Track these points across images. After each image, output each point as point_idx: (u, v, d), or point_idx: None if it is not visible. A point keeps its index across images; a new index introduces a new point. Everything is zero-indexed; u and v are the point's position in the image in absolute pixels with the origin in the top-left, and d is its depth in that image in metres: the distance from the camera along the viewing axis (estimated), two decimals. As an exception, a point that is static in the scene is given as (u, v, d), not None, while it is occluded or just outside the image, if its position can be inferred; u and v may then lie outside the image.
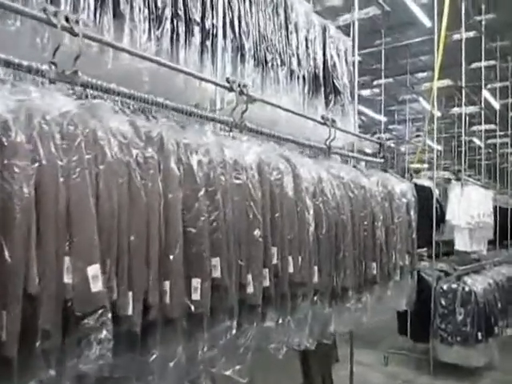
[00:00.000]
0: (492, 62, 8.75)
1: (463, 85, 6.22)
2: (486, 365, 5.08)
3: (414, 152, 10.52)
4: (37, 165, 1.15)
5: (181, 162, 1.57)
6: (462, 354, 4.90)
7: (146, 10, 2.22)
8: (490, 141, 10.92)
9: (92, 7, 1.99)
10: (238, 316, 1.71)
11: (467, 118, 8.33)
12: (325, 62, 3.61)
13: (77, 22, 1.52)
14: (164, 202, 1.47)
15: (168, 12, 2.33)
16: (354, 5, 4.24)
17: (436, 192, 5.78)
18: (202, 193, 1.60)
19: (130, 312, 1.31)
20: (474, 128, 10.13)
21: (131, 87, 1.73)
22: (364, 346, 4.88)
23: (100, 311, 1.17)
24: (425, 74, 10.98)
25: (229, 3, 2.70)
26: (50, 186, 1.17)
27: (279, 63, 3.12)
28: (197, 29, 2.49)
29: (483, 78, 7.44)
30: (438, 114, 10.26)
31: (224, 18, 2.66)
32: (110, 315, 1.19)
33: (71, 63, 1.50)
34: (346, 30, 4.18)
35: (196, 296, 1.51)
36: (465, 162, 6.71)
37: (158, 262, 1.41)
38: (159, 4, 2.27)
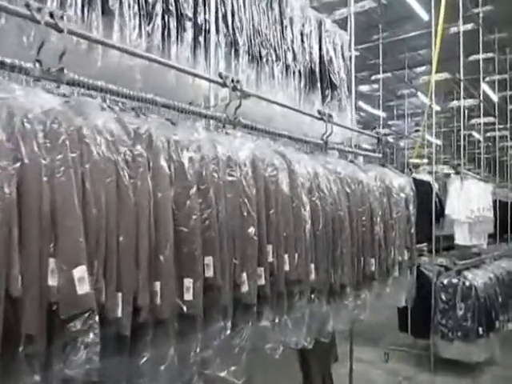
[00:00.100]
0: (490, 55, 8.70)
1: (461, 77, 6.18)
2: (486, 360, 5.06)
3: (414, 147, 10.48)
4: (18, 164, 1.12)
5: (171, 159, 1.54)
6: (462, 350, 4.88)
7: (136, 6, 2.18)
8: (489, 134, 10.88)
9: (79, 4, 1.94)
10: (232, 316, 1.67)
11: (466, 112, 8.30)
12: (321, 56, 3.56)
13: (62, 17, 1.48)
14: (154, 200, 1.43)
15: (159, 8, 2.29)
16: (350, -2, 4.19)
17: (435, 186, 5.75)
18: (193, 190, 1.56)
19: (119, 314, 1.27)
20: (473, 121, 10.10)
21: (123, 85, 1.70)
22: (364, 343, 4.86)
23: (87, 314, 1.14)
24: (423, 68, 10.95)
25: (221, -3, 2.66)
26: (32, 185, 1.13)
27: (274, 58, 3.07)
28: (189, 24, 2.45)
29: (481, 70, 7.39)
30: (436, 108, 10.23)
31: (217, 12, 2.62)
32: (97, 318, 1.16)
33: (60, 62, 1.46)
34: (342, 24, 4.14)
35: (188, 296, 1.48)
36: (464, 155, 6.67)
37: (148, 262, 1.38)
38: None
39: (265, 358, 1.95)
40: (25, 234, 1.10)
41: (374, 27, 8.46)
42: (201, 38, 2.52)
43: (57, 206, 1.16)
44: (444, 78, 8.80)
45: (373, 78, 10.71)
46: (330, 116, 2.80)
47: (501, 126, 9.69)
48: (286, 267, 1.93)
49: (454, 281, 5.06)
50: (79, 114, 1.33)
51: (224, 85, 2.12)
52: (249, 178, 1.80)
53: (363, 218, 2.56)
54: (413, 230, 3.19)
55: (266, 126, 2.32)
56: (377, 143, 3.52)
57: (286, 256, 1.93)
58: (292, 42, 3.26)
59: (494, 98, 9.45)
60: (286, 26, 3.21)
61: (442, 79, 8.67)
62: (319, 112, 2.77)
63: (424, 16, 7.51)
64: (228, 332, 1.64)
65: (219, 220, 1.64)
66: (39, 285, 1.11)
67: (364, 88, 11.99)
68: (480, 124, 8.45)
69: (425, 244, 5.55)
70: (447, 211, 5.73)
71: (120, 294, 1.29)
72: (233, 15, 2.74)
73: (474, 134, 11.22)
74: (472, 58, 7.62)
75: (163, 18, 2.32)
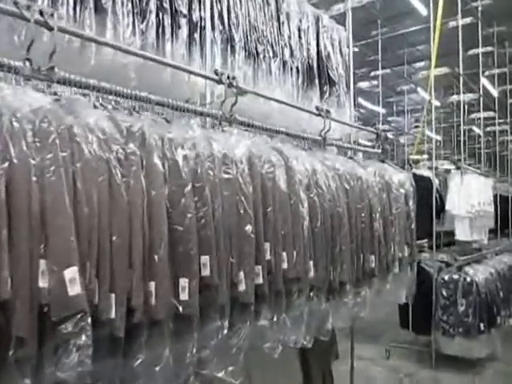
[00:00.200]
0: (489, 49, 8.66)
1: (461, 72, 6.15)
2: (488, 356, 5.04)
3: (414, 143, 10.46)
4: (7, 164, 1.09)
5: (165, 157, 1.52)
6: (464, 346, 4.86)
7: (130, 4, 2.15)
8: (489, 128, 10.84)
9: (71, 2, 1.92)
10: (229, 315, 1.65)
11: (466, 106, 8.27)
12: (319, 52, 3.53)
13: (52, 15, 1.46)
14: (147, 199, 1.41)
15: (153, 5, 2.26)
16: (347, -7, 4.17)
17: (436, 182, 5.72)
18: (188, 188, 1.54)
19: (112, 315, 1.25)
20: (473, 116, 10.06)
21: (117, 83, 1.67)
22: (365, 340, 4.84)
23: (78, 316, 1.11)
24: (422, 64, 10.92)
25: (217, -7, 2.63)
26: (21, 185, 1.11)
27: (271, 55, 3.05)
28: (184, 21, 2.42)
29: (481, 64, 7.35)
30: (436, 103, 10.19)
31: (212, 9, 2.59)
32: (89, 320, 1.14)
33: (52, 60, 1.44)
34: (340, 20, 4.11)
35: (184, 296, 1.46)
36: (464, 150, 6.65)
37: (142, 261, 1.36)
38: (143, -4, 2.21)
39: (264, 358, 1.92)
40: (14, 235, 1.08)
41: (372, 23, 8.43)
42: (196, 35, 2.49)
43: (46, 205, 1.14)
44: (443, 72, 8.77)
45: (372, 74, 10.68)
46: (328, 112, 2.77)
47: (501, 121, 9.65)
48: (284, 265, 1.90)
49: (455, 277, 5.04)
50: (70, 113, 1.31)
51: (220, 81, 2.09)
52: (245, 175, 1.78)
53: (362, 215, 2.54)
54: (413, 226, 3.17)
55: (263, 123, 2.29)
56: (376, 138, 3.49)
57: (284, 254, 1.91)
58: (289, 37, 3.23)
59: (494, 92, 9.41)
60: (282, 22, 3.18)
61: (441, 74, 8.64)
62: (317, 108, 2.75)
63: (423, 11, 7.48)
64: (225, 331, 1.62)
65: (215, 218, 1.61)
66: (29, 286, 1.09)
67: (363, 84, 11.96)
68: (480, 119, 8.41)
69: (425, 240, 5.53)
70: (448, 207, 5.70)
71: (113, 295, 1.27)
72: (228, 11, 2.71)
73: (474, 128, 11.18)
74: (471, 52, 7.59)
75: (157, 15, 2.29)
